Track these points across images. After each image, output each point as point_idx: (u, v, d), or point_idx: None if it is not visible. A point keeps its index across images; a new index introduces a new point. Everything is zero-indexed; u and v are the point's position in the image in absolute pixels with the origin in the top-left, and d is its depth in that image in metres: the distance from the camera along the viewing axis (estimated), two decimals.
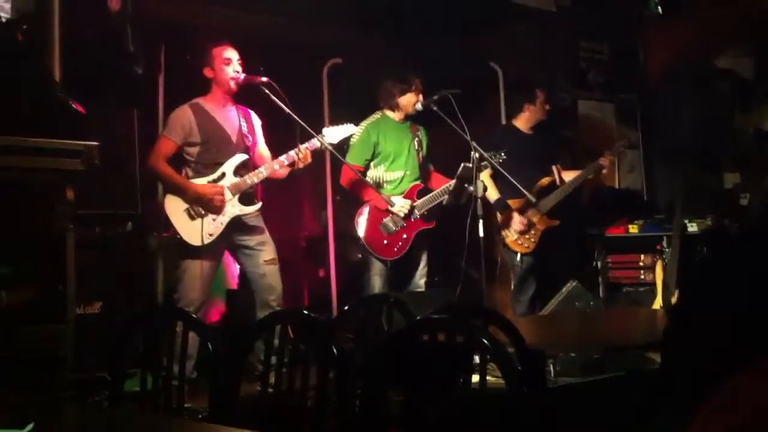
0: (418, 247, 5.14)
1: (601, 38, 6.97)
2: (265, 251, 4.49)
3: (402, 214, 4.96)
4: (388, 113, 5.23)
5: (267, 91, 4.39)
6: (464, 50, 6.61)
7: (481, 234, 4.90)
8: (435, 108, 4.97)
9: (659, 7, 6.06)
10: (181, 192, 4.29)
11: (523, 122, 5.73)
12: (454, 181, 5.04)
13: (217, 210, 4.29)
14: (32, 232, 2.99)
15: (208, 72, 4.44)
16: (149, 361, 2.45)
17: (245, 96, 4.59)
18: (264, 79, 4.40)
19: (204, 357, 3.71)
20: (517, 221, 5.43)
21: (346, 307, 3.36)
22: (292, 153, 4.40)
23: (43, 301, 2.94)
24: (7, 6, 3.70)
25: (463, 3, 5.99)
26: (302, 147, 4.38)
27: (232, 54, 4.43)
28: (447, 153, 5.38)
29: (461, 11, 6.10)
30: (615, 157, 5.85)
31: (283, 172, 4.53)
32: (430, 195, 5.11)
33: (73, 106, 3.16)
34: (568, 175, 5.72)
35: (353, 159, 5.03)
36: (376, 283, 4.99)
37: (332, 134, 4.57)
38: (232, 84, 4.44)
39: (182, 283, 4.33)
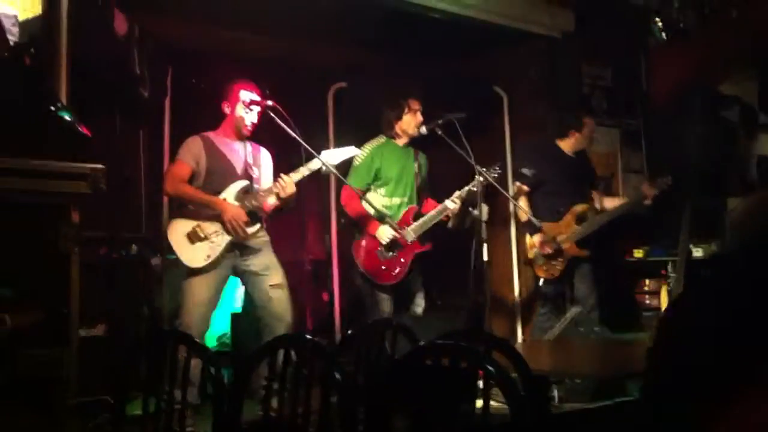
0: (414, 271, 5.12)
1: (605, 63, 7.00)
2: (270, 276, 4.45)
3: (384, 242, 4.94)
4: (394, 140, 5.23)
5: (272, 115, 4.40)
6: (469, 75, 6.65)
7: (486, 258, 4.90)
8: (439, 132, 4.97)
9: (663, 33, 6.07)
10: (209, 207, 4.30)
11: (567, 146, 5.67)
12: (447, 202, 5.04)
13: (238, 232, 4.29)
14: (37, 254, 2.99)
15: (225, 107, 4.48)
16: (152, 384, 2.45)
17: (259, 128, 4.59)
18: (269, 102, 4.41)
19: (207, 382, 3.71)
20: (543, 247, 5.34)
21: (349, 332, 3.35)
22: (273, 185, 4.42)
23: (47, 323, 2.93)
24: (16, 29, 3.73)
25: (468, 28, 6.03)
26: (284, 177, 4.37)
27: (253, 98, 4.44)
28: (451, 177, 5.38)
29: (466, 36, 6.14)
30: (658, 191, 5.51)
31: (275, 203, 4.49)
32: (426, 217, 5.08)
33: (80, 128, 3.17)
34: (609, 203, 5.64)
35: (354, 182, 5.03)
36: (381, 308, 4.96)
37: (332, 156, 4.54)
38: (245, 132, 4.50)
39: (183, 307, 4.30)
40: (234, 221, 4.27)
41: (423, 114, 5.16)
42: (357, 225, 5.05)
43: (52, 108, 3.13)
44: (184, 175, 4.35)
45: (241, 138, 4.54)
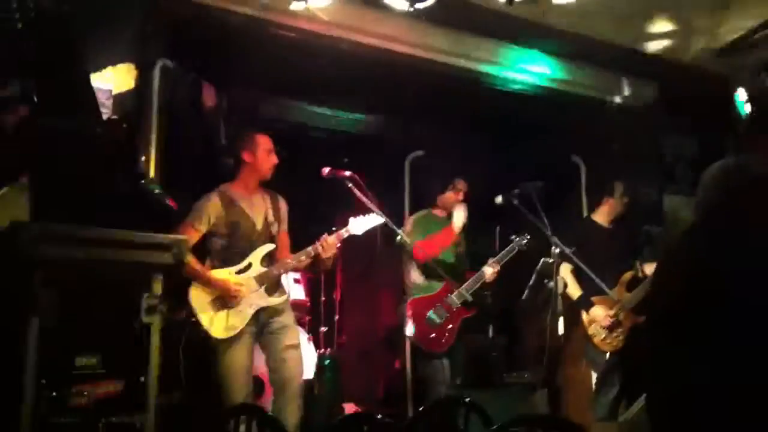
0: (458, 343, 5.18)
1: (689, 132, 6.89)
2: (287, 336, 4.35)
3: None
4: (433, 211, 5.42)
5: (350, 185, 4.46)
6: (547, 144, 6.65)
7: (561, 331, 4.82)
8: (516, 202, 4.97)
9: (746, 106, 5.97)
10: (203, 284, 4.20)
11: (602, 216, 5.65)
12: (484, 268, 5.14)
13: (237, 302, 4.20)
14: (119, 323, 3.08)
15: (246, 156, 4.43)
16: None
17: (279, 184, 4.63)
18: (348, 173, 4.49)
19: None
20: (604, 318, 5.29)
21: (421, 409, 3.32)
22: (316, 245, 4.34)
23: (126, 391, 3.00)
24: (109, 103, 3.93)
25: (547, 99, 6.06)
26: (328, 238, 4.34)
27: (273, 145, 4.49)
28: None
29: (546, 106, 6.16)
30: None
31: (308, 263, 4.42)
32: (467, 283, 5.14)
33: (167, 202, 3.28)
34: (650, 268, 5.55)
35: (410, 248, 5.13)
36: (437, 377, 4.99)
37: (358, 225, 4.50)
38: (268, 175, 4.48)
39: (225, 377, 4.17)
40: (235, 296, 4.20)
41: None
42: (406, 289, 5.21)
43: (142, 181, 3.26)
44: (191, 240, 4.15)
45: (262, 183, 4.51)
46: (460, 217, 5.18)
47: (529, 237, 5.20)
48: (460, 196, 5.28)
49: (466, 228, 5.33)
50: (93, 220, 3.05)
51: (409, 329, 5.07)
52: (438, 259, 5.21)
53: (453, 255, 5.35)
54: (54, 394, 2.76)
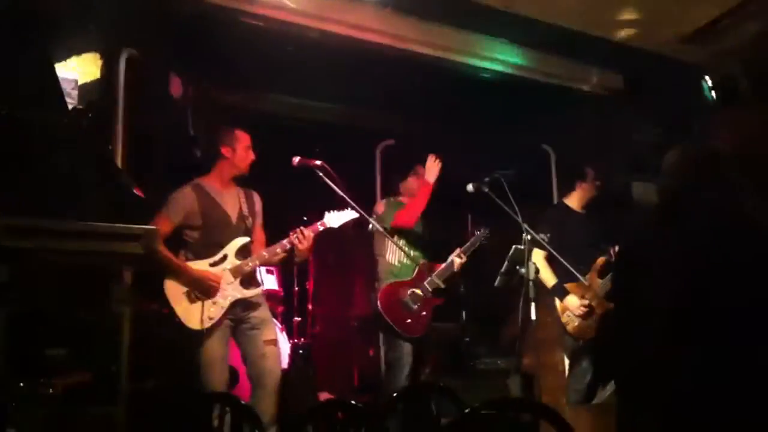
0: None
1: (656, 120, 6.95)
2: (264, 331, 4.36)
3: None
4: (400, 199, 5.43)
5: (321, 174, 4.45)
6: (517, 132, 6.68)
7: (533, 317, 4.85)
8: (486, 190, 4.99)
9: (714, 95, 6.03)
10: (177, 275, 4.18)
11: (575, 201, 5.69)
12: (452, 257, 5.20)
13: (212, 294, 4.19)
14: (89, 314, 3.05)
15: (225, 151, 4.43)
16: None
17: (250, 175, 4.60)
18: (318, 162, 4.47)
19: None
20: (577, 306, 5.31)
21: (395, 394, 3.34)
22: (291, 238, 4.35)
23: (97, 381, 2.98)
24: (75, 93, 3.88)
25: (516, 87, 6.08)
26: (304, 230, 4.35)
27: (249, 140, 4.50)
28: (497, 234, 5.39)
29: (515, 95, 6.19)
30: None
31: (283, 256, 4.45)
32: (439, 270, 5.19)
33: (135, 191, 3.25)
34: None
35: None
36: (405, 362, 5.01)
37: (333, 219, 4.53)
38: (245, 171, 4.49)
39: (200, 369, 4.16)
40: (211, 288, 4.19)
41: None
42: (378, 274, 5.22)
43: (108, 171, 3.22)
44: (164, 231, 4.17)
45: (238, 178, 4.51)
46: (432, 167, 5.19)
47: (488, 232, 5.34)
48: (422, 180, 5.28)
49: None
50: (59, 212, 3.01)
51: (385, 314, 5.08)
52: (411, 230, 5.26)
53: (421, 241, 5.38)
54: (22, 385, 2.73)
